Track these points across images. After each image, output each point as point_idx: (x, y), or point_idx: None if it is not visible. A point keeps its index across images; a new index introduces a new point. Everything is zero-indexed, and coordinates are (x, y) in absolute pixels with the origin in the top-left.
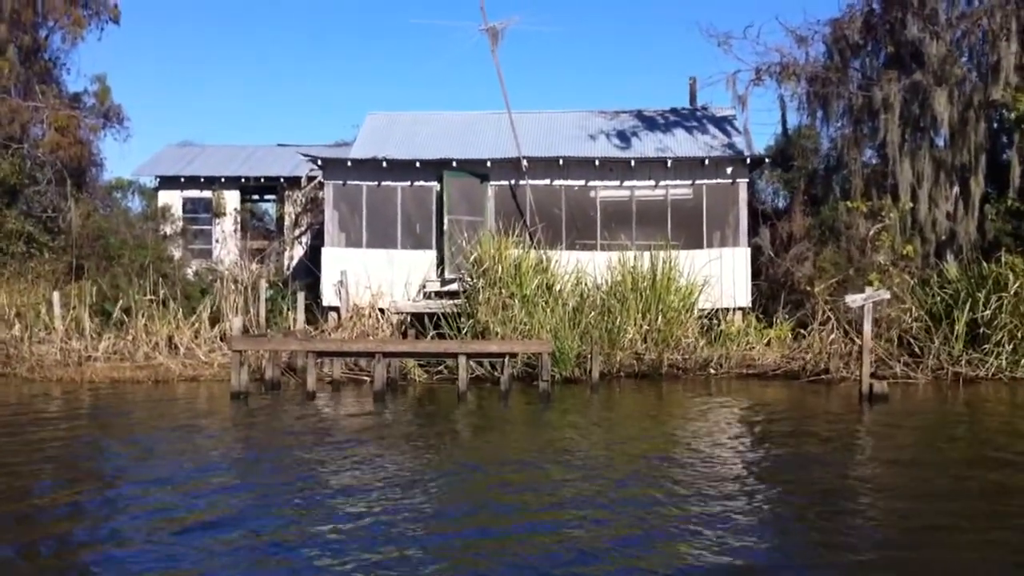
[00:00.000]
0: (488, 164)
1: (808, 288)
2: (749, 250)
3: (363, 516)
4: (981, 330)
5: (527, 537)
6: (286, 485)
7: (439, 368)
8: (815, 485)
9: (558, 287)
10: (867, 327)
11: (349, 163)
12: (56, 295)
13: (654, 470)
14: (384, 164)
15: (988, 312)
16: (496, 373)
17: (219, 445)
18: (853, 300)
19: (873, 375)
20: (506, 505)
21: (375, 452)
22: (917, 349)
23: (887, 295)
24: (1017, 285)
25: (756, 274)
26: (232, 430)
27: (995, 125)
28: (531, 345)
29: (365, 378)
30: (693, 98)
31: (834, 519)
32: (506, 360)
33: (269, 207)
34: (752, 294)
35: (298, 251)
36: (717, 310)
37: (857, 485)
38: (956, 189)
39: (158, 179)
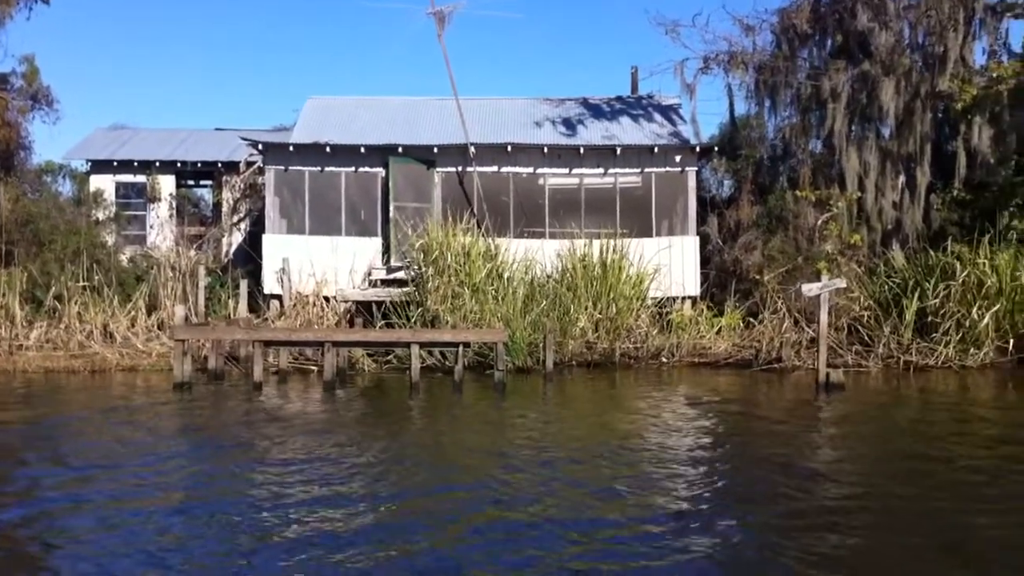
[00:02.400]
0: (435, 150)
1: (757, 277)
2: (698, 239)
3: (317, 509)
4: (929, 319)
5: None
6: (237, 477)
7: (388, 357)
8: (778, 481)
9: (507, 275)
10: (823, 316)
11: (291, 148)
12: None
13: (615, 461)
14: (328, 149)
15: (936, 301)
16: (447, 363)
17: (167, 437)
18: (809, 289)
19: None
20: (462, 501)
21: (329, 445)
22: (867, 338)
23: (843, 284)
24: (964, 274)
25: (704, 263)
26: (179, 422)
27: (940, 115)
28: (485, 334)
29: (312, 368)
30: (635, 87)
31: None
32: (459, 350)
33: (205, 193)
34: (701, 283)
35: (236, 238)
36: (667, 299)
37: (826, 480)
38: (902, 179)
39: (89, 163)
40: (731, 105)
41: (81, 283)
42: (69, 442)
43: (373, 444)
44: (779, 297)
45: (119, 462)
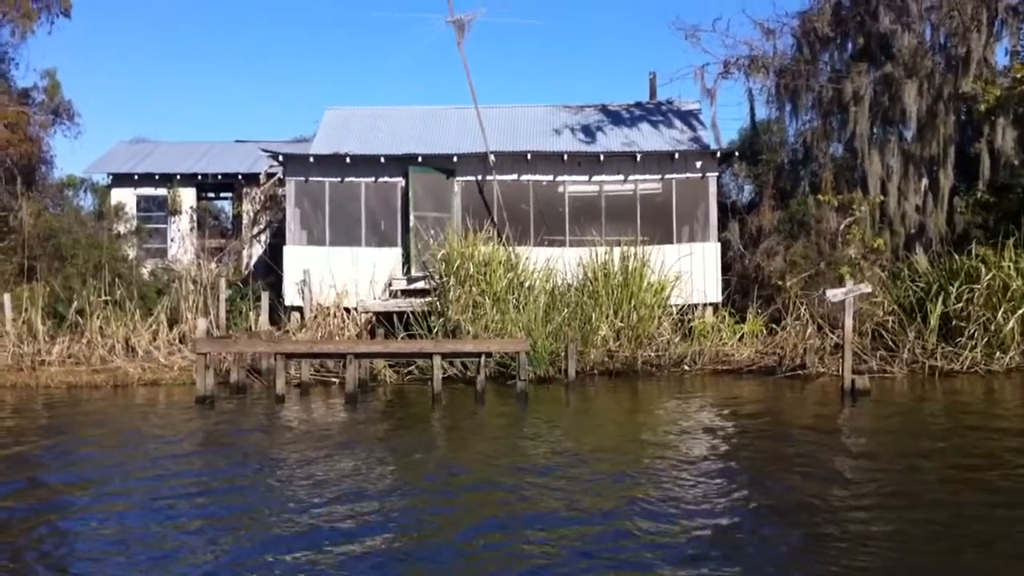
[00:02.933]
0: (455, 159)
1: (779, 283)
2: (719, 245)
3: (331, 518)
4: (954, 323)
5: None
6: (270, 493)
7: (409, 368)
8: (802, 491)
9: (528, 284)
10: (848, 321)
11: (311, 159)
12: (7, 297)
13: (636, 471)
14: (347, 160)
15: (960, 305)
16: (469, 373)
17: (191, 451)
18: (834, 294)
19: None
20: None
21: (352, 456)
22: (891, 343)
23: (868, 289)
24: (989, 277)
25: (725, 269)
26: (203, 436)
27: (963, 117)
28: (507, 344)
29: (333, 380)
30: (653, 93)
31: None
32: (481, 360)
33: (225, 205)
34: (722, 290)
35: (256, 250)
36: (688, 306)
37: (849, 488)
38: (925, 182)
39: (111, 176)
40: (752, 110)
41: (103, 297)
42: (91, 457)
43: (395, 456)
44: (802, 303)
45: (139, 476)
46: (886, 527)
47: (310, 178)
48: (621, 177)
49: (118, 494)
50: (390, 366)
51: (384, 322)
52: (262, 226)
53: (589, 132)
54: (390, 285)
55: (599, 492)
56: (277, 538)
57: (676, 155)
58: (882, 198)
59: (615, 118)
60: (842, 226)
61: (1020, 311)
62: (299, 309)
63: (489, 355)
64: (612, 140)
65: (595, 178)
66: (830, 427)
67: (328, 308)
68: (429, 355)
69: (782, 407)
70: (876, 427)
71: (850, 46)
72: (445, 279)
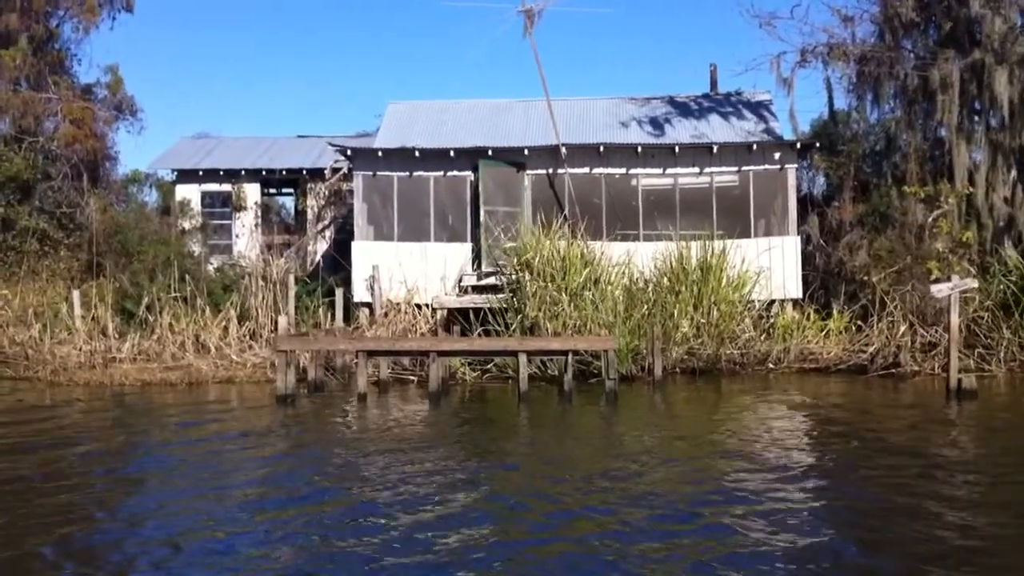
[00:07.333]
0: (525, 152)
1: (865, 278)
2: (799, 239)
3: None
4: None
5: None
6: (378, 492)
7: (487, 367)
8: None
9: (604, 279)
10: (954, 318)
11: (380, 153)
12: (76, 294)
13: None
14: (416, 153)
15: None
16: (548, 371)
17: (287, 453)
18: (939, 290)
19: (948, 368)
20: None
21: (456, 459)
22: (987, 340)
23: (975, 284)
24: None
25: (803, 263)
26: (293, 437)
27: None
28: (594, 342)
29: (410, 378)
30: (714, 84)
31: None
32: (568, 358)
33: (286, 200)
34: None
35: (321, 246)
36: (768, 302)
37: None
38: (1014, 173)
39: (175, 172)
40: (830, 99)
41: (172, 294)
42: (187, 458)
43: (495, 457)
44: (892, 299)
45: (240, 482)
46: None
47: (378, 172)
48: (696, 169)
49: (219, 496)
50: (468, 364)
51: (458, 318)
52: (327, 221)
53: (658, 124)
54: (460, 281)
55: (721, 496)
56: (389, 539)
57: (754, 146)
58: (970, 189)
59: (683, 110)
60: (930, 219)
61: None
62: (368, 305)
63: (576, 353)
64: (681, 132)
65: (669, 171)
66: (944, 433)
67: (398, 304)
68: (513, 353)
69: (886, 410)
70: (995, 432)
71: (934, 32)
72: (521, 274)
